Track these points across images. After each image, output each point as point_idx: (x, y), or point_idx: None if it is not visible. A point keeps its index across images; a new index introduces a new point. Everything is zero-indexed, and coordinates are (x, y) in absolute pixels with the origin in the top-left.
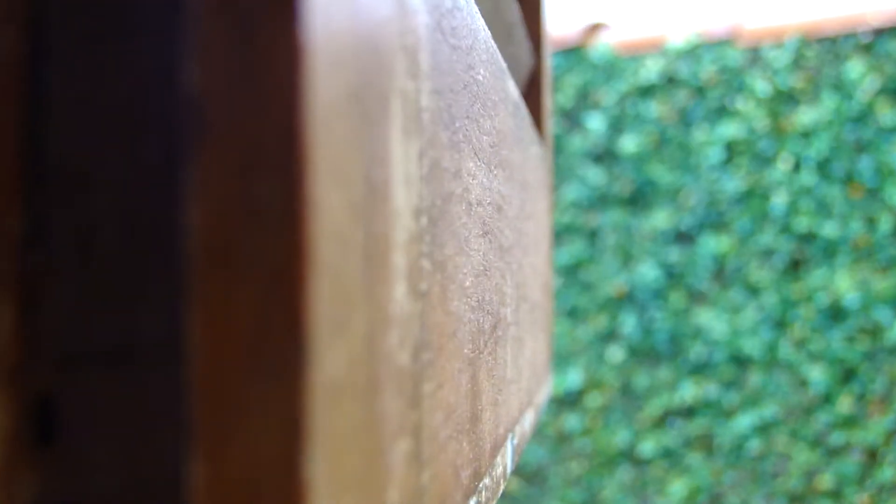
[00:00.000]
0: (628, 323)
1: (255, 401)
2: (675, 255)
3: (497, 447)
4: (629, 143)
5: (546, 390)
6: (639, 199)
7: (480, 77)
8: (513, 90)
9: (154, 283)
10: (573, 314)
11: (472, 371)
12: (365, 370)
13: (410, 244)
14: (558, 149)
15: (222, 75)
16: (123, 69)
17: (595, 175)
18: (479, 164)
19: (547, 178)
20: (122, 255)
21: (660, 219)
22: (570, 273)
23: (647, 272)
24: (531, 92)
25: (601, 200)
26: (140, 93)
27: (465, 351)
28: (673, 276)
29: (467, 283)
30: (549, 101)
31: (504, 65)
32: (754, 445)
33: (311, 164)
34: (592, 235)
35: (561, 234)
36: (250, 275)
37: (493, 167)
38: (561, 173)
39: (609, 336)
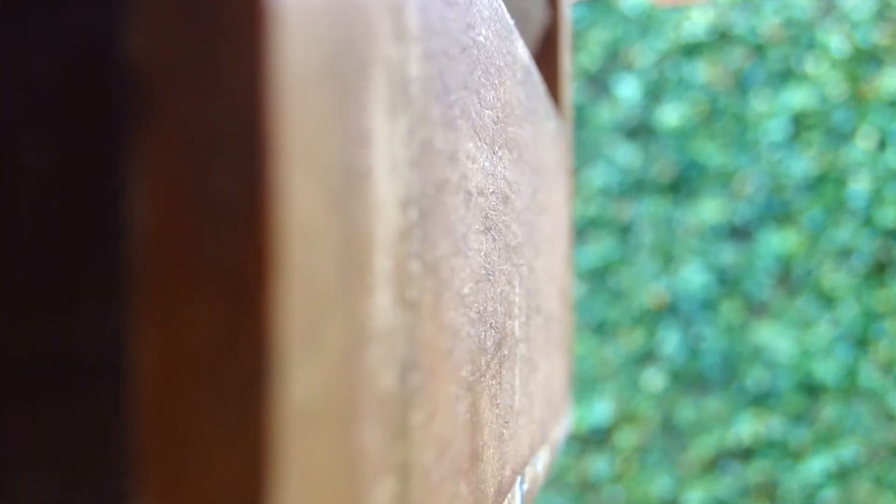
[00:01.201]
0: (670, 341)
1: (212, 430)
2: (728, 255)
3: (502, 492)
4: (670, 115)
5: (565, 424)
6: (682, 185)
7: (482, 38)
8: (522, 52)
9: (91, 292)
10: (600, 329)
11: (471, 398)
12: (342, 394)
13: (396, 243)
14: (581, 123)
15: (171, 44)
16: (51, 40)
17: (627, 155)
18: (480, 144)
19: (565, 160)
20: (51, 259)
21: (709, 210)
22: (597, 278)
23: (694, 277)
24: (546, 53)
25: (635, 187)
26: (72, 67)
27: (463, 373)
28: (726, 281)
29: (465, 291)
30: (568, 64)
31: (511, 21)
32: (830, 495)
33: (279, 150)
34: (624, 231)
35: (585, 229)
36: (207, 281)
37: (497, 148)
38: (585, 153)
39: (645, 357)
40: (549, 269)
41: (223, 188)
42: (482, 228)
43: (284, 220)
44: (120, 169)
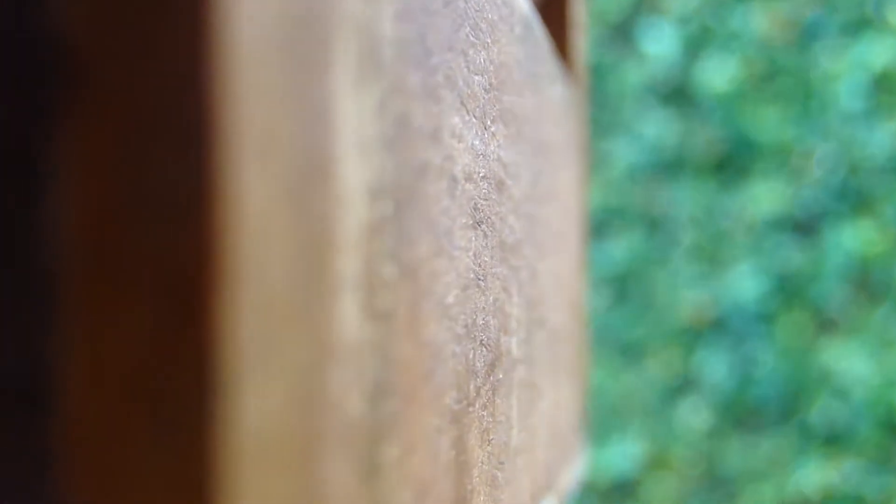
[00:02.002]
0: (714, 365)
1: (148, 464)
2: (789, 255)
3: None
4: (715, 76)
5: (576, 468)
6: (731, 165)
7: None
8: (522, 0)
9: (8, 302)
10: (625, 350)
11: (457, 432)
12: (301, 422)
13: (366, 241)
14: (599, 87)
15: (102, 7)
16: None
17: (660, 127)
18: (468, 118)
19: (578, 135)
20: None
21: (765, 198)
22: (620, 285)
23: (745, 283)
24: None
25: (670, 168)
26: None
27: (447, 401)
28: (786, 289)
29: (450, 299)
30: (581, 13)
31: None
32: None
33: (228, 132)
34: (656, 225)
35: (604, 222)
36: (143, 290)
37: (490, 122)
38: (604, 126)
39: (683, 386)
40: (557, 274)
41: (163, 180)
42: (471, 222)
43: (234, 215)
44: (42, 156)
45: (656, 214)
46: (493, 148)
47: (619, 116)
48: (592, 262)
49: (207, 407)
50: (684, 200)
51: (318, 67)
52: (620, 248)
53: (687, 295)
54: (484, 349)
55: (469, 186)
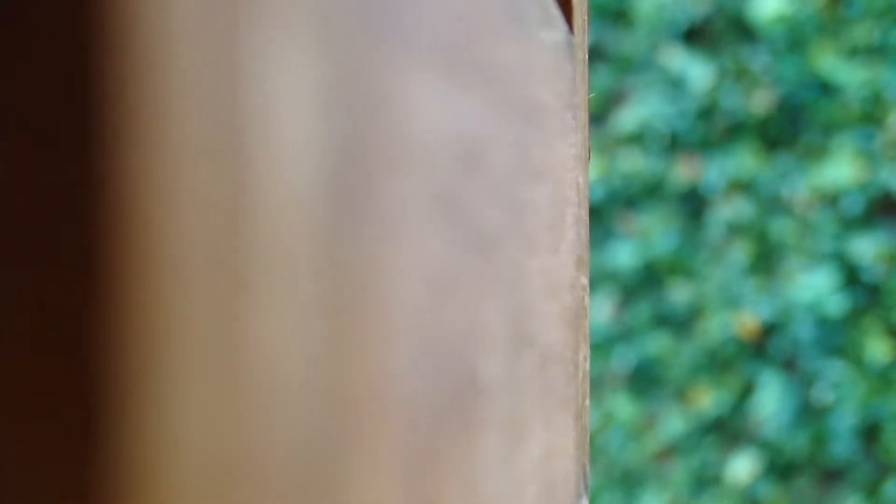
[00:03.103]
0: (769, 398)
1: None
2: (871, 251)
3: None
4: (768, 4)
5: None
6: (791, 125)
7: None
8: None
9: None
10: (646, 380)
11: (417, 481)
12: (212, 469)
13: (296, 234)
14: (606, 27)
15: None
16: None
17: (692, 75)
18: (428, 71)
19: (577, 93)
20: None
21: (839, 171)
22: (639, 291)
23: (812, 289)
24: None
25: (706, 132)
26: None
27: (405, 442)
28: (871, 295)
29: (407, 308)
30: None
31: None
32: None
33: (126, 94)
34: (688, 210)
35: (615, 207)
36: (9, 296)
37: (456, 76)
38: (614, 79)
39: (727, 428)
40: (549, 276)
41: (30, 153)
42: (436, 209)
43: (131, 202)
44: None
45: (687, 197)
46: (463, 112)
47: (634, 65)
48: (597, 262)
49: (90, 447)
50: (726, 176)
51: (236, 14)
52: (637, 243)
53: (732, 305)
54: (453, 374)
55: (432, 162)
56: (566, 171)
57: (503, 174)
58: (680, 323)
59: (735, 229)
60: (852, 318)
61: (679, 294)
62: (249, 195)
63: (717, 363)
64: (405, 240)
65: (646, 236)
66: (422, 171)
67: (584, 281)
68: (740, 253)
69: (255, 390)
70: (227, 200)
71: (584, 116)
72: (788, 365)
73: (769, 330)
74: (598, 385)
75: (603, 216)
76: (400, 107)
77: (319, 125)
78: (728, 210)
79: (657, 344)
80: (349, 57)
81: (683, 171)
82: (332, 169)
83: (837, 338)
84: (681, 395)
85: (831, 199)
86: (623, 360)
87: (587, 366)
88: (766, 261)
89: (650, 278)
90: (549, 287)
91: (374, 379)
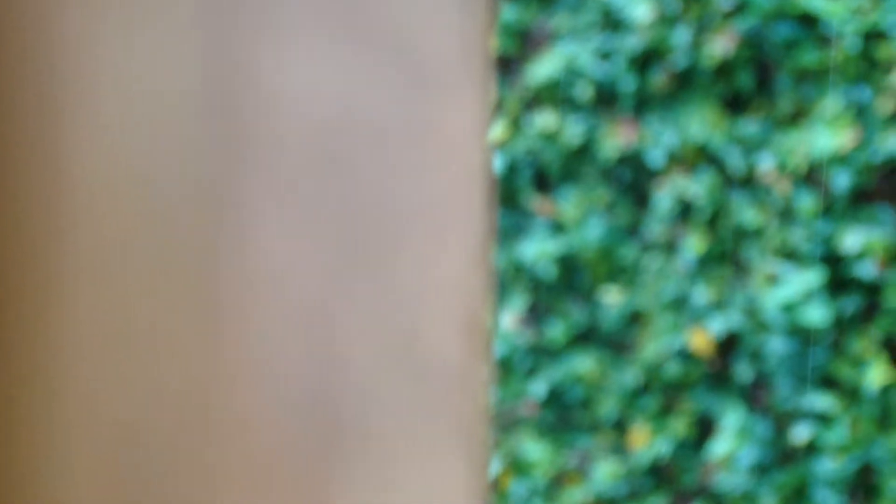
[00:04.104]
0: (727, 438)
1: None
2: (866, 243)
3: None
4: None
5: None
6: (758, 78)
7: None
8: None
9: None
10: (566, 413)
11: None
12: None
13: (105, 233)
14: None
15: None
16: None
17: (623, 12)
18: (292, 32)
19: (478, 47)
20: None
21: (824, 136)
22: (559, 295)
23: (788, 292)
24: None
25: (644, 88)
26: None
27: (271, 479)
28: (865, 301)
29: (255, 319)
30: None
31: None
32: None
33: None
34: (625, 190)
35: (526, 183)
36: None
37: (323, 32)
38: (526, 13)
39: (671, 473)
40: (441, 278)
41: None
42: (296, 195)
43: None
44: None
45: (625, 174)
46: (334, 76)
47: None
48: (506, 256)
49: None
50: (681, 145)
51: None
52: (557, 236)
53: (685, 315)
54: (316, 404)
55: (293, 129)
56: (464, 145)
57: (380, 150)
58: (612, 338)
59: (686, 214)
60: (840, 332)
61: (611, 300)
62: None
63: (662, 391)
64: (261, 236)
65: (567, 223)
66: (283, 150)
67: (487, 283)
68: (693, 246)
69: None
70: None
71: (487, 75)
72: (755, 393)
73: (730, 347)
74: (504, 420)
75: (511, 197)
76: (256, 64)
77: (153, 95)
78: (676, 189)
79: (582, 366)
80: (222, 22)
81: (617, 137)
82: (171, 150)
83: (820, 357)
84: (614, 433)
85: (813, 175)
86: (537, 386)
87: (489, 394)
88: (726, 256)
89: (573, 279)
90: (440, 293)
91: (224, 407)
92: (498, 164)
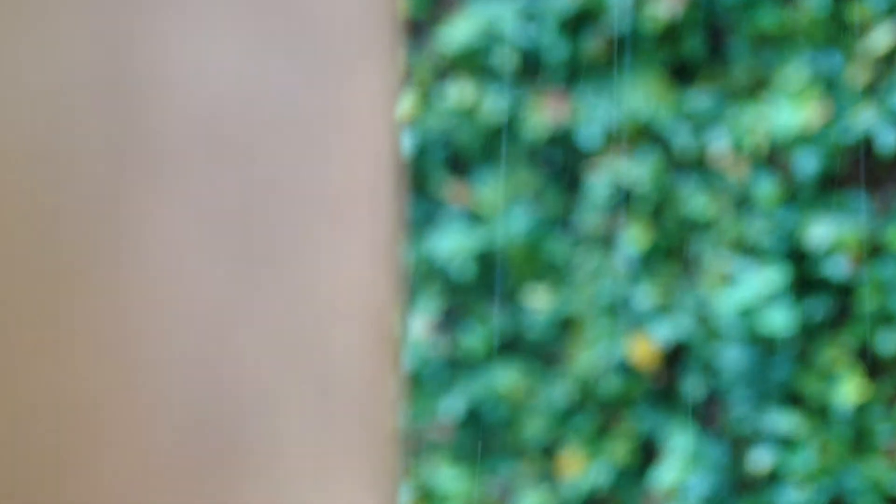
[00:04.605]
0: (675, 464)
1: None
2: (836, 237)
3: None
4: None
5: None
6: (711, 45)
7: None
8: None
9: None
10: (487, 436)
11: None
12: None
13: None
14: None
15: None
16: None
17: None
18: (177, 10)
19: (383, 9)
20: None
21: (788, 112)
22: (477, 297)
23: (746, 294)
24: None
25: (575, 57)
26: None
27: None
28: (836, 304)
29: (146, 323)
30: None
31: None
32: None
33: None
34: (554, 175)
35: (437, 166)
36: None
37: (208, 8)
38: None
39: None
40: (341, 278)
41: None
42: (174, 184)
43: None
44: None
45: (553, 153)
46: (227, 50)
47: None
48: (415, 252)
49: None
50: (612, 121)
51: None
52: (476, 225)
53: (625, 320)
54: (208, 418)
55: (186, 124)
56: (367, 124)
57: (270, 132)
58: (540, 348)
59: (626, 203)
60: (807, 340)
61: (539, 303)
62: None
63: (599, 410)
64: (141, 233)
65: (487, 214)
66: (181, 142)
67: (396, 284)
68: (634, 240)
69: None
70: None
71: (392, 33)
72: (708, 412)
73: (678, 358)
74: (415, 442)
75: (422, 183)
76: (136, 52)
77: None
78: (615, 173)
79: (505, 380)
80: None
81: (545, 113)
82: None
83: (784, 370)
84: (542, 459)
85: (775, 157)
86: (453, 403)
87: (398, 412)
88: (673, 252)
89: (494, 278)
90: (343, 296)
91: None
92: (407, 144)
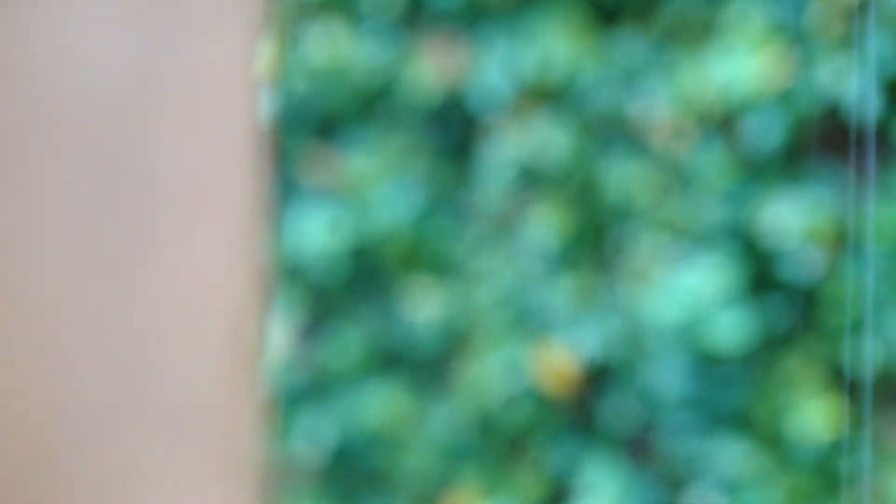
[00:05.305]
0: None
1: None
2: (801, 225)
3: None
4: None
5: None
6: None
7: None
8: None
9: None
10: (357, 472)
11: None
12: None
13: None
14: None
15: None
16: None
17: None
18: None
19: None
20: None
21: (740, 65)
22: (347, 300)
23: (686, 295)
24: None
25: (476, 4)
26: None
27: None
28: (800, 309)
29: None
30: None
31: None
32: None
33: None
34: (443, 144)
35: (301, 133)
36: None
37: None
38: None
39: None
40: (188, 277)
41: None
42: (17, 173)
43: None
44: None
45: (442, 115)
46: (82, 43)
47: None
48: (275, 248)
49: None
50: (516, 75)
51: None
52: (347, 207)
53: (526, 335)
54: (39, 446)
55: (15, 107)
56: (221, 83)
57: (107, 107)
58: (428, 363)
59: (534, 181)
60: (765, 355)
61: (426, 307)
62: None
63: (499, 438)
64: None
65: (362, 196)
66: (12, 128)
67: (254, 285)
68: (543, 227)
69: None
70: None
71: None
72: (638, 443)
73: (602, 376)
74: (275, 476)
75: (282, 159)
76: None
77: None
78: (520, 143)
79: (383, 402)
80: None
81: (433, 68)
82: None
83: (735, 392)
84: (427, 496)
85: (724, 123)
86: (319, 430)
87: (256, 441)
88: (595, 243)
89: (370, 277)
90: (190, 301)
91: None
92: (266, 109)
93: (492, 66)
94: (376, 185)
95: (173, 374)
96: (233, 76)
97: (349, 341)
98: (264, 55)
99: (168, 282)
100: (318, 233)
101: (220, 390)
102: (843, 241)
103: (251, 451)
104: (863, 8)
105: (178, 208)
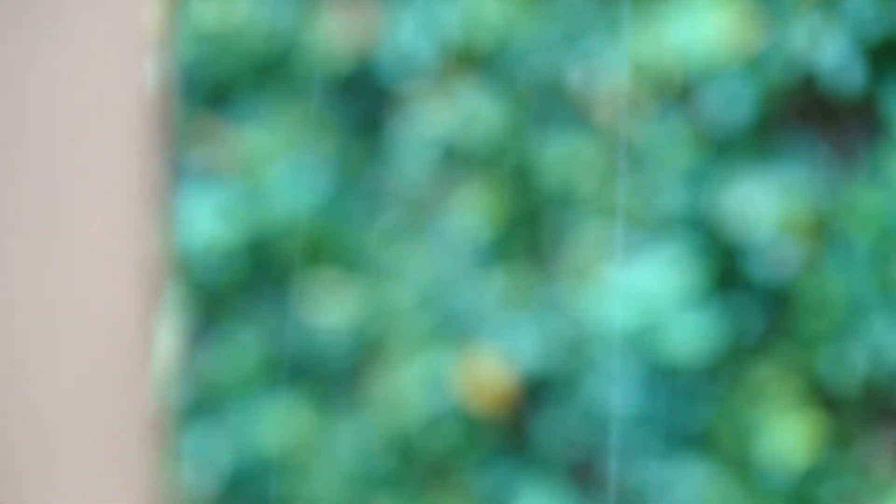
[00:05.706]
0: None
1: None
2: (774, 211)
3: None
4: None
5: None
6: None
7: None
8: None
9: None
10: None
11: None
12: None
13: None
14: None
15: None
16: None
17: None
18: None
19: None
20: None
21: (701, 24)
22: (243, 299)
23: (635, 292)
24: None
25: None
26: None
27: None
28: (773, 311)
29: None
30: None
31: None
32: None
33: None
34: (354, 118)
35: (192, 105)
36: None
37: None
38: None
39: None
40: (66, 275)
41: None
42: None
43: None
44: None
45: (352, 86)
46: None
47: None
48: (159, 240)
49: None
50: (438, 38)
51: None
52: (240, 192)
53: (450, 340)
54: None
55: None
56: (105, 48)
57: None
58: (335, 374)
59: (457, 160)
60: (732, 365)
61: (331, 309)
62: None
63: (418, 461)
64: None
65: (255, 174)
66: None
67: (139, 284)
68: (469, 214)
69: None
70: None
71: None
72: (583, 466)
73: (540, 390)
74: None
75: (169, 134)
76: None
77: None
78: (440, 117)
79: (284, 420)
80: None
81: (337, 26)
82: None
83: (696, 409)
84: None
85: (682, 92)
86: (210, 452)
87: (142, 465)
88: (530, 234)
89: (264, 272)
90: (67, 302)
91: None
92: (152, 78)
93: (408, 27)
94: (275, 166)
95: (43, 389)
96: (116, 40)
97: (243, 349)
98: (150, 16)
99: (40, 281)
100: (206, 221)
101: (101, 406)
102: (822, 232)
103: (136, 476)
104: None
105: (52, 192)
